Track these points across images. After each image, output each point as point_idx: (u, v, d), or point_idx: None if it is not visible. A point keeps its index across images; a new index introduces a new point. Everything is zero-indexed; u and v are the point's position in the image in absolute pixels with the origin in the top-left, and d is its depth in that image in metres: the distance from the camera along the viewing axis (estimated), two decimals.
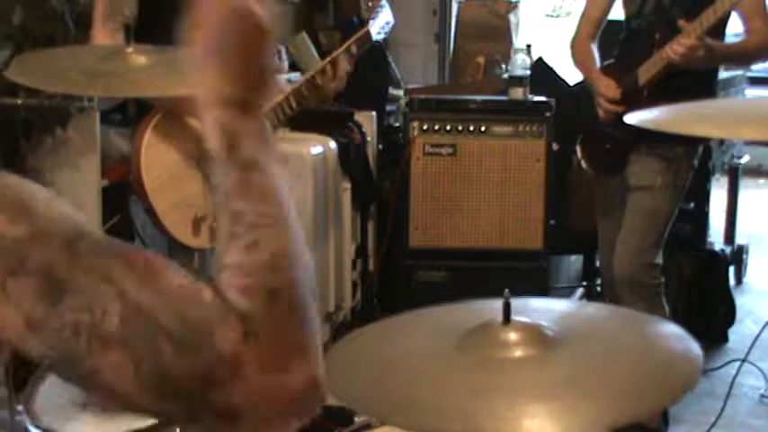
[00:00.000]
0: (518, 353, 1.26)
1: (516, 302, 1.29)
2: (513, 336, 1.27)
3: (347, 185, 3.93)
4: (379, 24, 2.91)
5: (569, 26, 3.73)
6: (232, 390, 0.74)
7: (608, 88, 3.27)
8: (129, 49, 1.91)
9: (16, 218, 0.81)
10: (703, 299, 4.15)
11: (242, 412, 0.75)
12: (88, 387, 0.80)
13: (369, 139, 4.08)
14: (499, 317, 1.29)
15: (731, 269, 4.70)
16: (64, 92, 2.61)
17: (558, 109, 3.90)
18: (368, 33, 2.85)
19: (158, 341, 0.75)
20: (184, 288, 0.78)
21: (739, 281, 5.07)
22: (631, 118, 1.89)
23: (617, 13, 3.45)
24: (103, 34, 2.35)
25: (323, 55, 2.87)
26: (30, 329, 0.79)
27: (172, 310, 0.76)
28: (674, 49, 3.03)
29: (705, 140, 3.60)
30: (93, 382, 0.79)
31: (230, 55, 0.86)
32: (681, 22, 3.01)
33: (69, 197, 3.38)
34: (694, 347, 1.25)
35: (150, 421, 1.64)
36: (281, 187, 0.83)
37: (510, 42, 5.13)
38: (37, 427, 1.59)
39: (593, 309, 1.59)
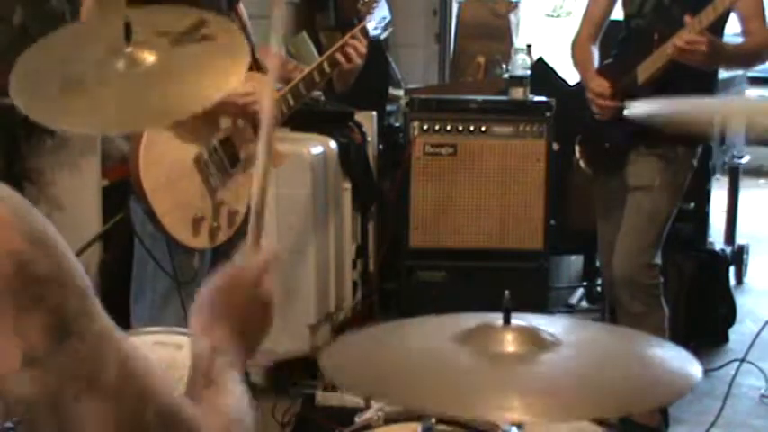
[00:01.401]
0: (515, 352, 1.27)
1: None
2: (511, 337, 1.27)
3: (347, 185, 3.92)
4: (376, 20, 2.90)
5: (569, 26, 3.73)
6: None
7: (599, 86, 3.27)
8: (129, 49, 1.90)
9: (44, 252, 0.84)
10: (703, 299, 4.14)
11: None
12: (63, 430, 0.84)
13: (369, 139, 4.07)
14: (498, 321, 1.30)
15: (731, 269, 4.70)
16: None
17: (558, 109, 3.89)
18: (364, 29, 2.84)
19: (146, 410, 0.86)
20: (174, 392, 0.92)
21: (739, 281, 5.07)
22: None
23: (617, 13, 3.45)
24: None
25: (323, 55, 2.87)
26: (26, 365, 0.82)
27: (165, 394, 0.89)
28: (675, 44, 3.02)
29: (705, 140, 3.60)
30: (71, 428, 0.84)
31: (251, 343, 1.10)
32: (687, 18, 3.01)
33: (69, 197, 3.39)
34: (694, 369, 1.25)
35: None
36: (231, 401, 1.01)
37: (510, 42, 5.13)
38: None
39: (594, 326, 1.62)
